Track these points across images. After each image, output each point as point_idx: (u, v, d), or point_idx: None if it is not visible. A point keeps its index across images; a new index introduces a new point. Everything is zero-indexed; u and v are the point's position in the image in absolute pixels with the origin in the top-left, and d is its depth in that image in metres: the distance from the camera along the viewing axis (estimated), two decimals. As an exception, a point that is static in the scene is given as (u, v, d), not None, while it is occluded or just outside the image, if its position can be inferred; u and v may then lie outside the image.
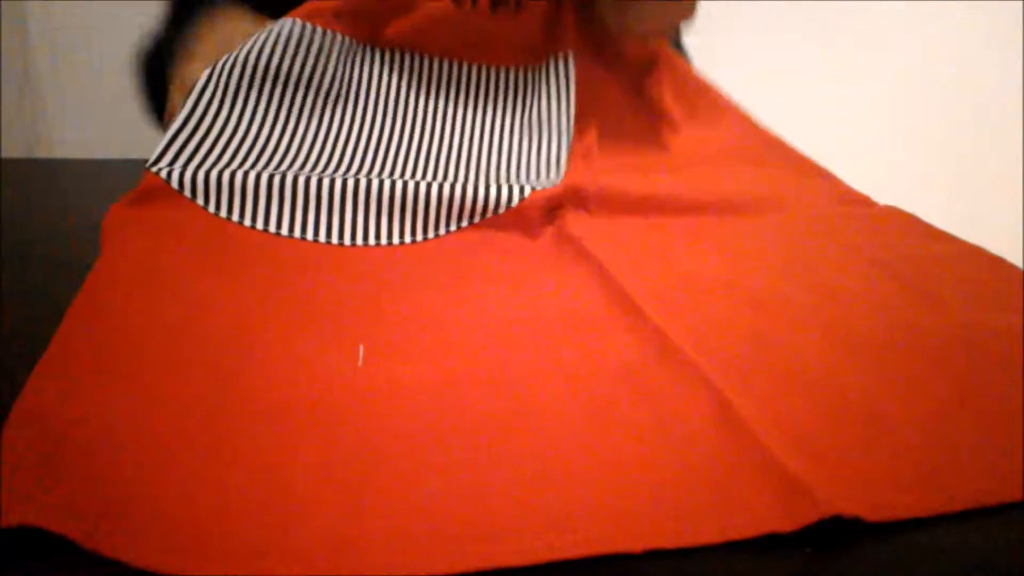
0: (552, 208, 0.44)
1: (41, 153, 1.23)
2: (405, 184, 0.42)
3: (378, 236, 0.41)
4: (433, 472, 0.24)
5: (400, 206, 0.42)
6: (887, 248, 0.43)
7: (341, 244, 0.41)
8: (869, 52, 1.37)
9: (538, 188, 0.43)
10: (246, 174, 0.41)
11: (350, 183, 0.42)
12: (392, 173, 0.47)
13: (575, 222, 0.43)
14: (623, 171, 0.51)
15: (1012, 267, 0.42)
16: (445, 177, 0.47)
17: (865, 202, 0.52)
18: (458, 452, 0.25)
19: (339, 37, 0.51)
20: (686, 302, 0.36)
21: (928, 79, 1.39)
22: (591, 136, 0.52)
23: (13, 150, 1.14)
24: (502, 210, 0.43)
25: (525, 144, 0.51)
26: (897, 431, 0.27)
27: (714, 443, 0.25)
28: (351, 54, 0.52)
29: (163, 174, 0.41)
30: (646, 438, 0.26)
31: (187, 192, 0.41)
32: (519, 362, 0.30)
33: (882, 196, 0.53)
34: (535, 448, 0.25)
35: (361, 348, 0.30)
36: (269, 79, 0.48)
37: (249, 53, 0.48)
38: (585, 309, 0.35)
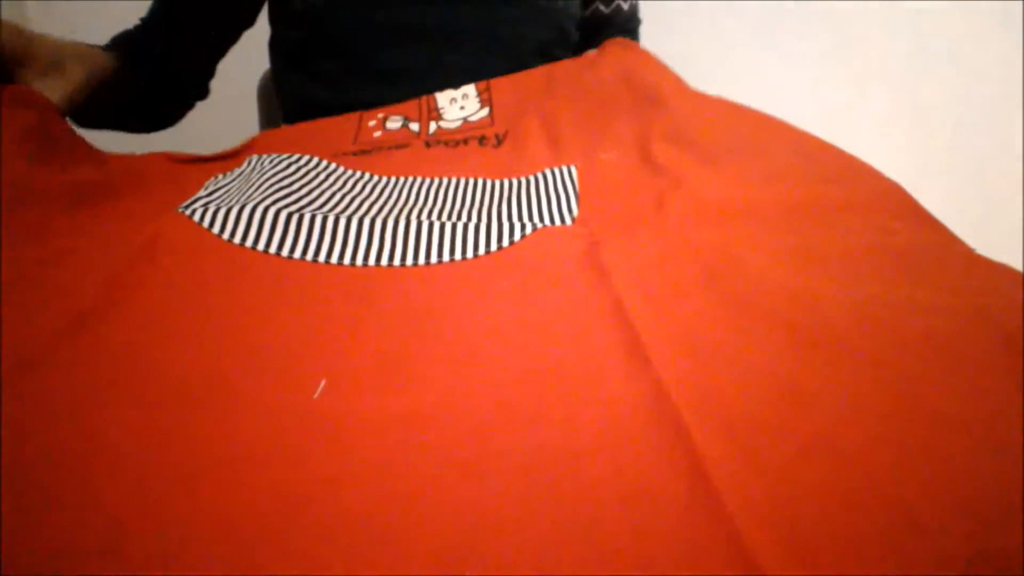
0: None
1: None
2: (416, 221, 0.42)
3: (391, 258, 0.40)
4: (364, 523, 0.23)
5: (415, 237, 0.41)
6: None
7: (351, 264, 0.39)
8: (868, 52, 1.37)
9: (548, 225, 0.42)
10: (265, 208, 0.41)
11: (367, 220, 0.42)
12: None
13: (609, 246, 0.40)
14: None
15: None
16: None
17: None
18: (401, 503, 0.23)
19: (367, 174, 0.52)
20: (702, 343, 0.32)
21: (927, 79, 1.39)
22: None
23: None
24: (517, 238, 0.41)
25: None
26: (920, 532, 0.23)
27: (679, 520, 0.23)
28: (376, 181, 0.52)
29: (187, 211, 0.41)
30: (607, 507, 0.24)
31: (205, 223, 0.40)
32: (494, 406, 0.28)
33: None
34: (486, 502, 0.24)
35: (322, 383, 0.28)
36: (283, 192, 0.48)
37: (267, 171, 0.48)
38: (585, 351, 0.32)
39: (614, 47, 0.70)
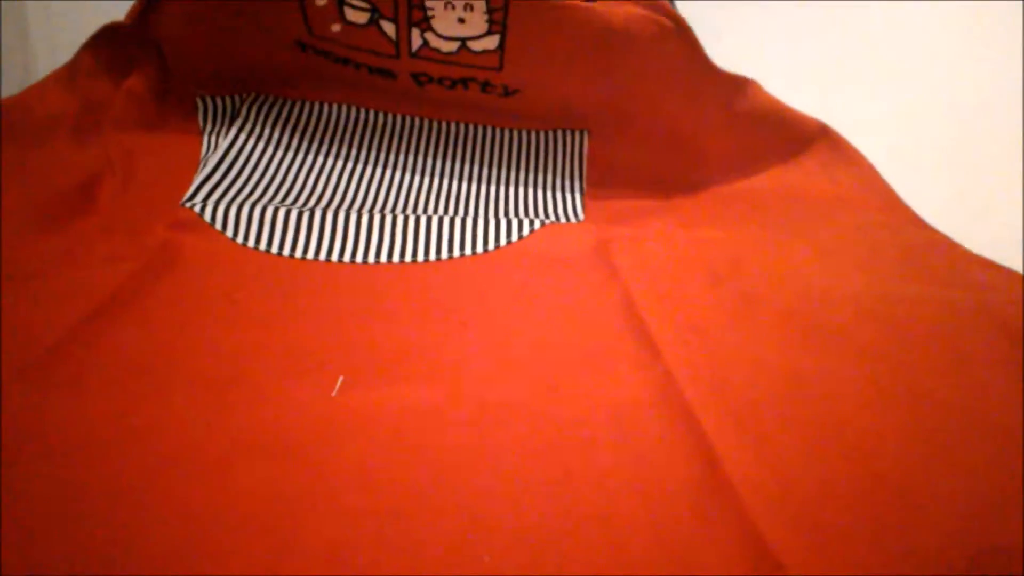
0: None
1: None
2: (425, 217, 0.43)
3: (402, 255, 0.41)
4: (385, 514, 0.23)
5: (424, 234, 0.42)
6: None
7: (363, 263, 0.40)
8: (866, 50, 1.37)
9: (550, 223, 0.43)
10: (276, 209, 0.42)
11: (376, 217, 0.43)
12: (412, 211, 0.47)
13: (617, 242, 0.41)
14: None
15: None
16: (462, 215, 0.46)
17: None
18: (418, 494, 0.24)
19: (360, 111, 0.51)
20: (710, 337, 0.33)
21: (927, 78, 1.38)
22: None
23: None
24: (514, 239, 0.42)
25: (540, 200, 0.50)
26: (918, 516, 0.23)
27: (692, 507, 0.24)
28: (371, 122, 0.52)
29: (196, 208, 0.42)
30: (620, 496, 0.24)
31: (217, 225, 0.41)
32: (506, 397, 0.29)
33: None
34: (500, 490, 0.24)
35: (340, 379, 0.29)
36: (301, 138, 0.49)
37: (280, 116, 0.49)
38: (596, 344, 0.33)
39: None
